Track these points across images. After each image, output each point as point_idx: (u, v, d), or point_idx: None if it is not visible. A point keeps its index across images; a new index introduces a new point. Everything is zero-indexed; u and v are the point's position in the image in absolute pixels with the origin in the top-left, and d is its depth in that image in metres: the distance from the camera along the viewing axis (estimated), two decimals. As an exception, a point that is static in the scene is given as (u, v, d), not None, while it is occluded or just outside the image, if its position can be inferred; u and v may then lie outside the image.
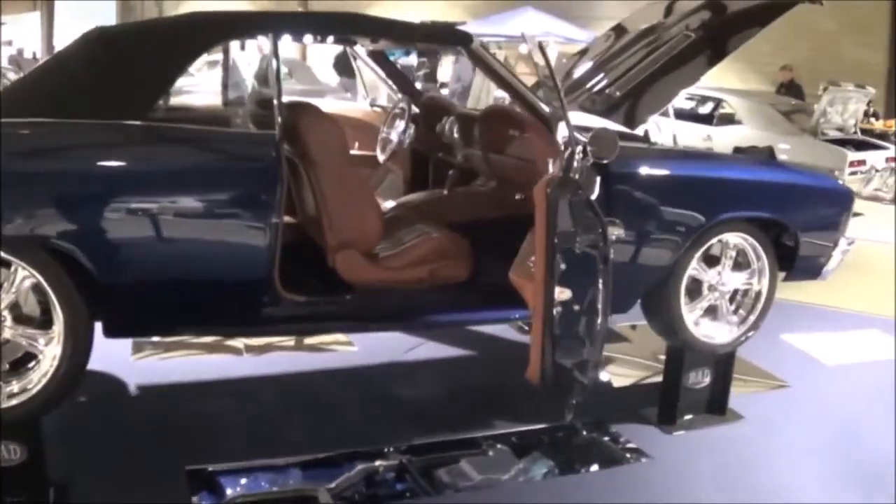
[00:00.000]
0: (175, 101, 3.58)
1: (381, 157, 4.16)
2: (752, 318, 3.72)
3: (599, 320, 2.24)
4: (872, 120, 10.80)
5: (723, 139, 8.67)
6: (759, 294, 3.71)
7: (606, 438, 3.32)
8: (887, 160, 8.28)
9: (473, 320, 3.18)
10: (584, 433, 3.33)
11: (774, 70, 11.61)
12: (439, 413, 3.49)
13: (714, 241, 3.53)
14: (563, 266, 2.22)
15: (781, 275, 3.75)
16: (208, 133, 2.80)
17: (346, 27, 3.20)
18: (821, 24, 12.10)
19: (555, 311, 2.23)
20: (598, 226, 2.25)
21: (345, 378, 3.77)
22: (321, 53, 14.74)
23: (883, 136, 10.08)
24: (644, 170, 3.18)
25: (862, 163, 8.06)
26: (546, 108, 3.05)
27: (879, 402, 3.79)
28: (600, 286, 2.25)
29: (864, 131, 9.45)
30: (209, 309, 2.82)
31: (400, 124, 4.13)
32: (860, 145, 8.48)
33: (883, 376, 4.09)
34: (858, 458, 3.25)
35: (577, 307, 2.22)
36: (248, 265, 2.76)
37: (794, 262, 3.70)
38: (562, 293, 2.22)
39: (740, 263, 3.68)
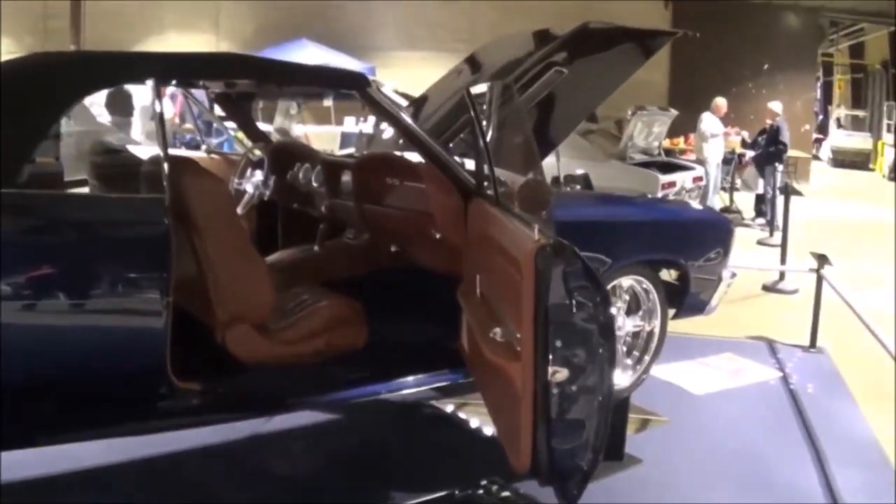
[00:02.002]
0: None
1: (239, 211, 3.98)
2: (647, 358, 3.96)
3: (600, 399, 2.24)
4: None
5: None
6: (651, 334, 3.96)
7: (516, 498, 3.32)
8: (694, 180, 9.16)
9: (386, 390, 3.12)
10: (493, 493, 3.32)
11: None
12: (325, 487, 3.34)
13: (611, 284, 3.73)
14: (558, 343, 2.19)
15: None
16: (81, 200, 2.58)
17: (233, 69, 3.02)
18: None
19: (549, 392, 2.19)
20: (596, 296, 2.25)
21: (210, 454, 3.51)
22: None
23: (669, 153, 11.19)
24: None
25: (672, 184, 8.85)
26: (447, 157, 3.14)
27: (759, 425, 4.11)
28: (601, 362, 2.26)
29: (667, 151, 10.42)
30: (93, 410, 2.60)
31: (256, 174, 4.06)
32: (665, 167, 9.31)
33: (754, 400, 4.46)
34: (763, 482, 3.48)
35: (574, 387, 2.21)
36: (139, 353, 2.59)
37: (683, 299, 3.98)
38: (556, 373, 2.19)
39: (631, 306, 3.91)
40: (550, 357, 2.25)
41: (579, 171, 8.67)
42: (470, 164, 3.23)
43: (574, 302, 2.27)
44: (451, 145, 3.99)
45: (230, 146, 7.21)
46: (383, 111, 3.08)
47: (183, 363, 2.74)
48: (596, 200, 4.77)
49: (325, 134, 11.92)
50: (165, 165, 2.60)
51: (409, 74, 13.12)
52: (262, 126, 8.74)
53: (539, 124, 3.99)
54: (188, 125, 9.72)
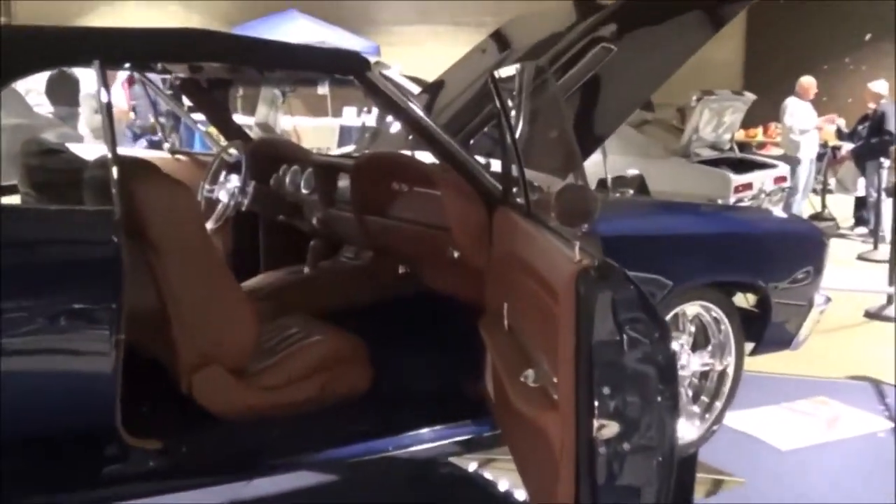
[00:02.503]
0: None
1: (210, 226, 4.05)
2: (719, 404, 3.93)
3: (660, 458, 2.21)
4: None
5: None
6: (723, 375, 3.92)
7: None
8: (776, 181, 9.10)
9: (395, 446, 3.15)
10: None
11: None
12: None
13: (672, 313, 3.71)
14: (605, 390, 2.18)
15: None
16: (8, 212, 2.63)
17: (199, 50, 3.02)
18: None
19: (595, 451, 2.17)
20: (654, 330, 2.24)
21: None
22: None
23: (744, 147, 11.13)
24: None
25: (748, 187, 8.78)
26: (468, 157, 3.16)
27: (862, 489, 4.01)
28: (661, 412, 2.24)
29: (741, 146, 10.35)
30: (24, 477, 2.58)
31: (231, 179, 4.11)
32: (739, 165, 9.25)
33: (856, 457, 4.38)
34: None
35: (627, 445, 2.19)
36: (82, 405, 2.59)
37: (763, 330, 3.95)
38: (604, 427, 2.17)
39: (698, 340, 3.88)
40: (596, 407, 2.23)
41: (632, 172, 8.62)
42: (496, 166, 3.23)
43: (625, 338, 2.25)
44: (472, 142, 4.00)
45: (202, 144, 7.27)
46: (387, 101, 3.08)
47: (138, 416, 2.74)
48: (652, 209, 4.76)
49: (320, 128, 11.97)
50: (115, 169, 2.58)
51: (421, 54, 13.19)
52: (241, 119, 8.84)
53: (582, 115, 3.98)
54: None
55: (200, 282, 2.92)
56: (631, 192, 8.00)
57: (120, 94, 9.55)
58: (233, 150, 4.27)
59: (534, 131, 3.01)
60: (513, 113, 3.05)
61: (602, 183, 7.38)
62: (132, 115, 10.07)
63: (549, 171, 2.89)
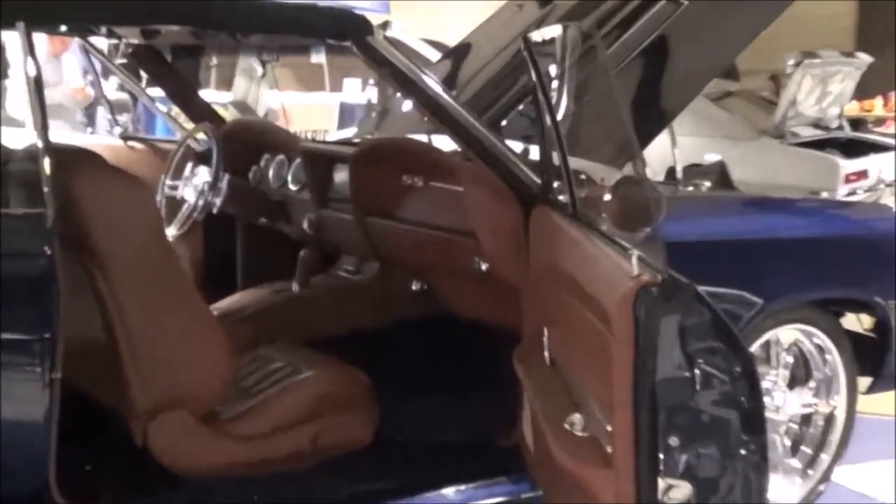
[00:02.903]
0: None
1: (173, 232, 4.08)
2: (826, 457, 3.90)
3: (745, 530, 2.21)
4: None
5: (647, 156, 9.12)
6: (831, 418, 3.90)
7: None
8: (902, 166, 8.99)
9: None
10: None
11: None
12: None
13: (762, 340, 3.69)
14: (673, 441, 2.17)
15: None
16: None
17: (155, 10, 3.03)
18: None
19: (660, 518, 2.17)
20: (735, 363, 2.24)
21: None
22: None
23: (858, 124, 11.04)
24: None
25: (862, 175, 8.73)
26: (499, 142, 3.16)
27: None
28: (746, 469, 2.23)
29: (854, 123, 10.26)
30: None
31: (200, 173, 4.13)
32: (851, 147, 9.19)
33: None
34: None
35: (702, 512, 2.19)
36: (7, 464, 2.56)
37: (882, 362, 3.92)
38: (672, 489, 2.17)
39: (796, 374, 3.86)
40: (662, 462, 2.23)
41: (710, 158, 8.60)
42: (534, 154, 3.23)
43: (698, 374, 2.24)
44: (504, 124, 3.99)
45: (164, 128, 7.32)
46: (395, 72, 3.08)
47: (78, 477, 2.78)
48: (735, 205, 4.75)
49: (315, 107, 12.01)
50: (46, 161, 2.58)
51: (439, 13, 13.20)
52: (214, 97, 8.88)
53: (642, 87, 3.97)
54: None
55: (158, 304, 2.93)
56: (708, 184, 7.95)
57: (74, 65, 9.56)
58: (201, 136, 4.30)
59: (580, 110, 3.01)
60: (554, 87, 3.05)
61: (670, 173, 7.35)
62: (90, 91, 9.99)
63: (599, 160, 2.88)
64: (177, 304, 2.99)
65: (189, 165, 4.21)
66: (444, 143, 3.58)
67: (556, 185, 3.00)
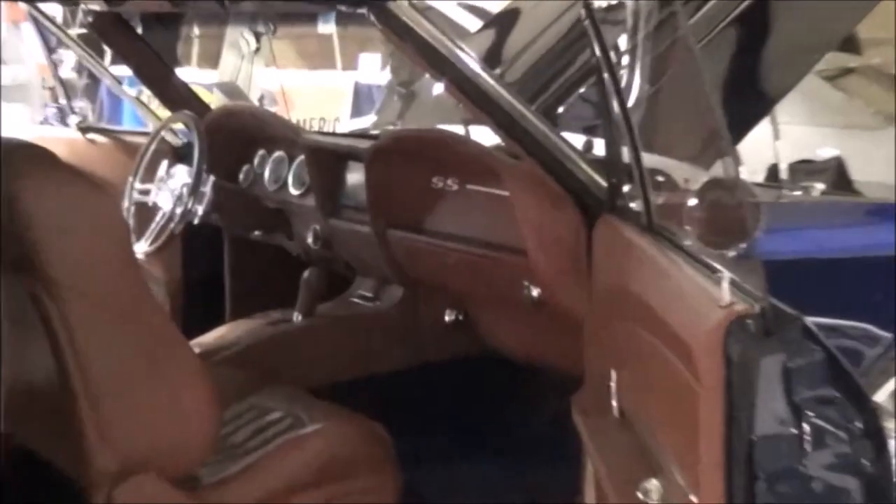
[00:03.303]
0: None
1: (144, 248, 4.11)
2: None
3: None
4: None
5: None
6: None
7: None
8: None
9: None
10: None
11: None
12: None
13: (891, 387, 3.69)
14: (774, 513, 2.18)
15: None
16: None
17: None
18: None
19: None
20: (856, 416, 2.25)
21: None
22: None
23: None
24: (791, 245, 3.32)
25: None
26: (553, 134, 3.16)
27: None
28: None
29: None
30: None
31: (177, 174, 4.18)
32: None
33: None
34: None
35: None
36: None
37: None
38: (776, 577, 2.17)
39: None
40: (762, 544, 2.22)
41: (824, 154, 8.57)
42: (599, 148, 3.23)
43: (808, 430, 2.22)
44: (560, 111, 4.00)
45: (134, 118, 7.36)
46: (422, 46, 3.10)
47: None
48: (856, 215, 4.80)
49: (323, 89, 12.06)
50: None
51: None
52: (194, 75, 8.91)
53: (736, 65, 3.96)
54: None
55: (125, 342, 2.95)
56: (822, 186, 7.92)
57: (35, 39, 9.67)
58: (179, 127, 4.35)
59: (657, 94, 3.00)
60: (624, 64, 3.05)
61: (772, 173, 7.33)
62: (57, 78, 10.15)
63: (681, 158, 2.88)
64: (148, 342, 3.01)
65: (164, 164, 4.24)
66: (485, 135, 3.58)
67: (626, 188, 3.00)
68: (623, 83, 2.97)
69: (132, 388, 2.97)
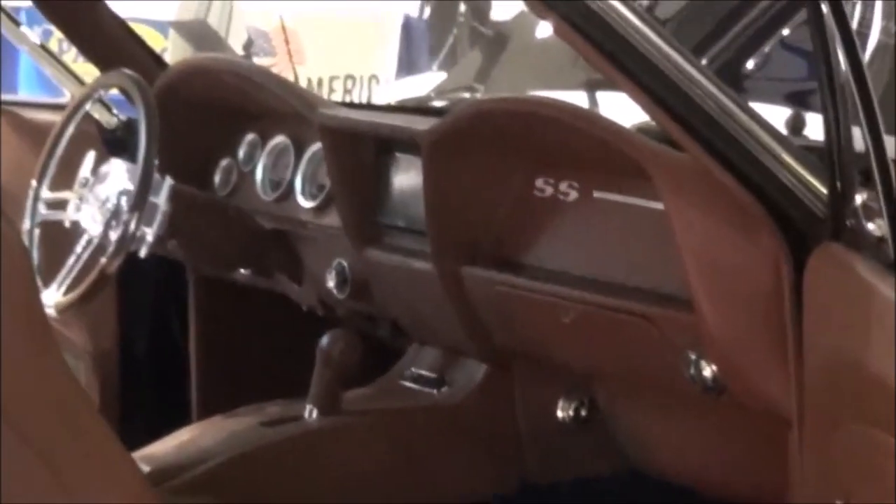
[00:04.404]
0: None
1: (57, 299, 4.15)
2: None
3: None
4: None
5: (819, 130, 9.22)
6: None
7: None
8: None
9: None
10: None
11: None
12: None
13: None
14: None
15: None
16: None
17: None
18: None
19: None
20: None
21: None
22: None
23: None
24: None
25: None
26: (745, 113, 3.17)
27: None
28: None
29: None
30: None
31: (110, 174, 4.23)
32: None
33: None
34: None
35: None
36: None
37: None
38: None
39: None
40: None
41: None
42: (813, 131, 3.23)
43: None
44: (746, 70, 4.02)
45: (40, 83, 7.48)
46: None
47: None
48: None
49: (350, 27, 12.12)
50: None
51: None
52: (140, 9, 9.04)
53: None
54: None
55: (20, 457, 2.99)
56: None
57: None
58: (114, 95, 4.38)
59: None
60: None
61: None
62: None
63: None
64: (60, 458, 3.03)
65: (89, 158, 4.28)
66: (622, 108, 3.59)
67: (858, 199, 3.00)
68: (854, 27, 2.98)
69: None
